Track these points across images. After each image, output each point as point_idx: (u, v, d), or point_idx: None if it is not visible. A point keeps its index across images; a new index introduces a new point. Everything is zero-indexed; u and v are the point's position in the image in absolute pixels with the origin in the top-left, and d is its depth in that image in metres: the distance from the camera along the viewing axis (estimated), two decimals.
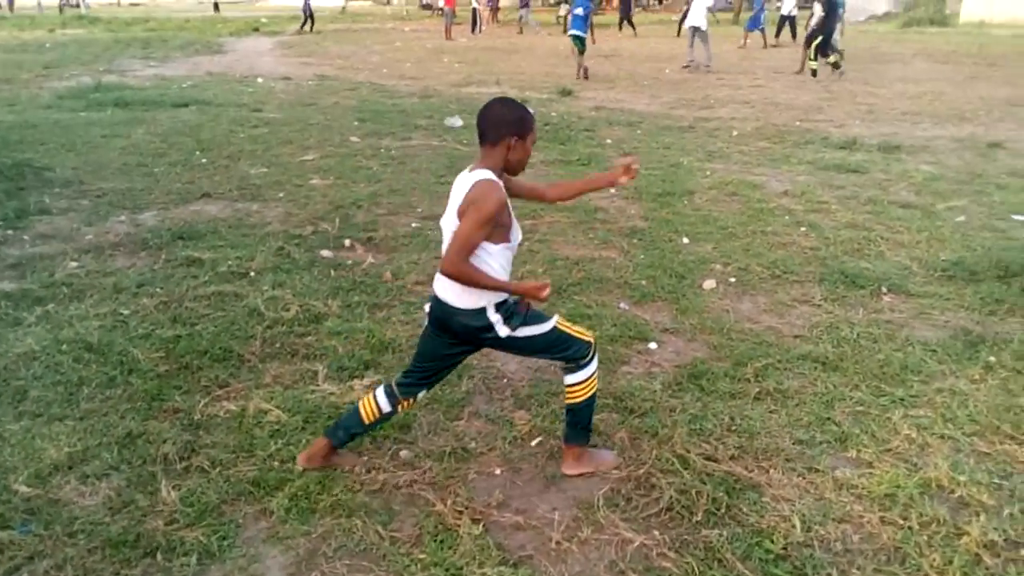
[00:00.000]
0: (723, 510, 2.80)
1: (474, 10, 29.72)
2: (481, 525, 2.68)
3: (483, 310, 2.72)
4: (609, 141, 9.55)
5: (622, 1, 28.84)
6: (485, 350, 3.93)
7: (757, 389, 3.67)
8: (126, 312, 4.38)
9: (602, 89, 14.83)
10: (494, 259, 2.69)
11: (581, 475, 3.00)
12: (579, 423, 2.98)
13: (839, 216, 6.35)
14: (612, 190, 7.14)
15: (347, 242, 5.67)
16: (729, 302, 4.73)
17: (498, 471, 3.02)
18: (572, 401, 2.93)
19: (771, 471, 3.06)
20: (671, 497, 2.84)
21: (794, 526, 2.72)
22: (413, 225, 6.07)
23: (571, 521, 2.74)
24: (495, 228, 2.63)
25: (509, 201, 2.69)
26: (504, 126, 2.66)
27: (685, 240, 5.78)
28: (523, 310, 2.80)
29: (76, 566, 2.53)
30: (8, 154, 8.08)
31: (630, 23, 28.14)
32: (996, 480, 3.00)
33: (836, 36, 16.33)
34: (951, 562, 2.55)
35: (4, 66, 16.42)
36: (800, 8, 22.64)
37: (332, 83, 15.48)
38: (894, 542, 2.66)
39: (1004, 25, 28.41)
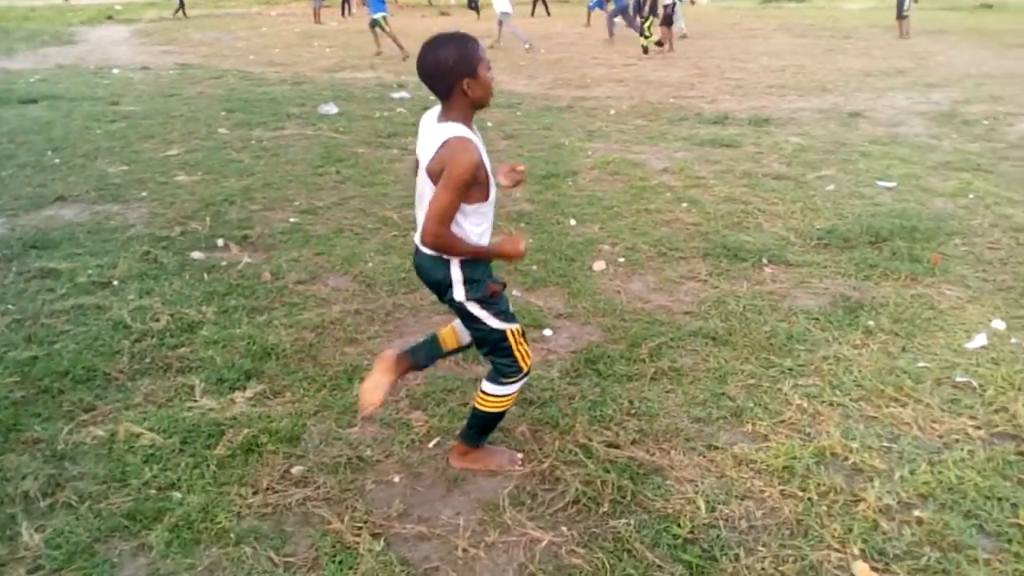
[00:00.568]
0: (629, 498, 2.76)
1: None
2: (382, 540, 2.54)
3: (447, 263, 2.57)
4: (490, 124, 9.44)
5: None
6: (376, 349, 3.80)
7: (653, 369, 3.67)
8: None
9: None
10: (469, 221, 2.51)
11: (471, 471, 2.91)
12: (476, 428, 2.87)
13: (717, 191, 6.48)
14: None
15: (220, 242, 5.34)
16: (620, 283, 4.73)
17: (397, 478, 2.88)
18: (479, 408, 2.81)
19: (672, 453, 3.05)
20: (577, 490, 2.77)
21: (699, 508, 2.72)
22: (291, 220, 5.79)
23: (476, 525, 2.64)
24: (471, 188, 2.43)
25: (485, 154, 2.46)
26: (448, 73, 2.40)
27: (572, 222, 5.75)
28: (490, 293, 2.64)
29: None
30: None
31: (544, 4, 27.91)
32: (885, 443, 3.09)
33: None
34: (851, 530, 2.59)
35: None
36: None
37: (196, 72, 14.70)
38: (796, 515, 2.69)
39: None
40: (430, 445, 3.07)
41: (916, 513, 2.67)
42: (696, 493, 2.79)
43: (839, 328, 4.06)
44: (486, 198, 2.53)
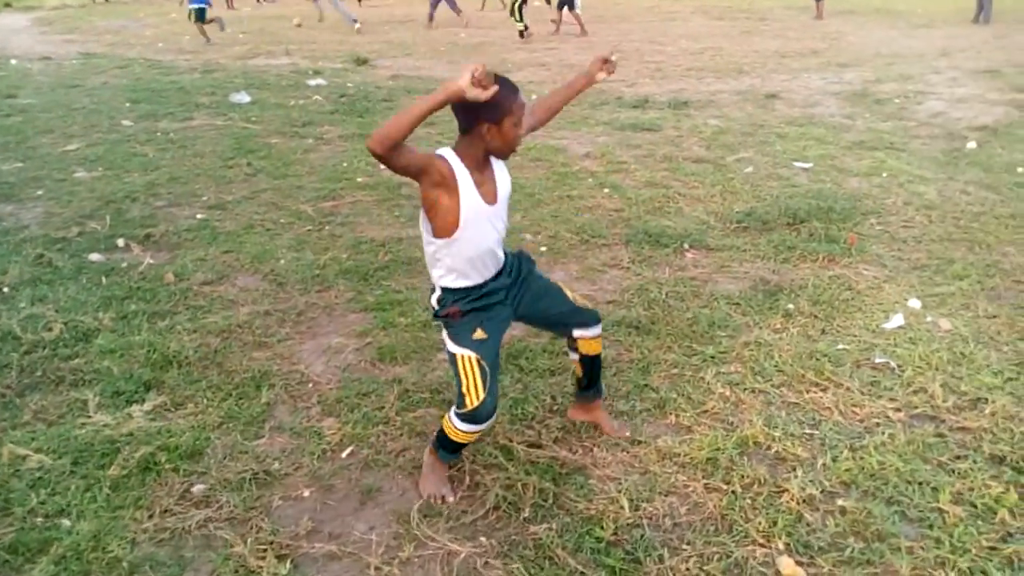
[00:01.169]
0: (551, 501, 2.66)
1: None
2: (288, 561, 2.38)
3: (432, 289, 2.63)
4: None
5: None
6: (286, 352, 3.63)
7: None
8: None
9: (399, 56, 14.41)
10: (441, 253, 2.50)
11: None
12: (436, 436, 2.72)
13: (638, 175, 6.44)
14: None
15: (121, 242, 5.04)
16: (543, 272, 4.60)
17: (306, 493, 2.71)
18: (440, 427, 2.67)
19: (595, 450, 2.97)
20: (497, 495, 2.66)
21: (622, 507, 2.63)
22: (198, 216, 5.51)
23: (391, 540, 2.50)
24: (436, 213, 2.39)
25: (472, 195, 2.39)
26: (475, 111, 2.30)
27: None
28: (446, 314, 2.58)
29: None
30: None
31: None
32: (807, 430, 3.07)
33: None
34: (775, 523, 2.55)
35: None
36: None
37: (100, 61, 14.05)
38: (720, 509, 2.63)
39: None
40: (343, 455, 2.91)
41: (839, 502, 2.65)
42: (619, 492, 2.70)
43: (759, 312, 4.05)
44: (448, 234, 2.42)
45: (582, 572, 2.36)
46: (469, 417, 2.52)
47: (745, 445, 2.97)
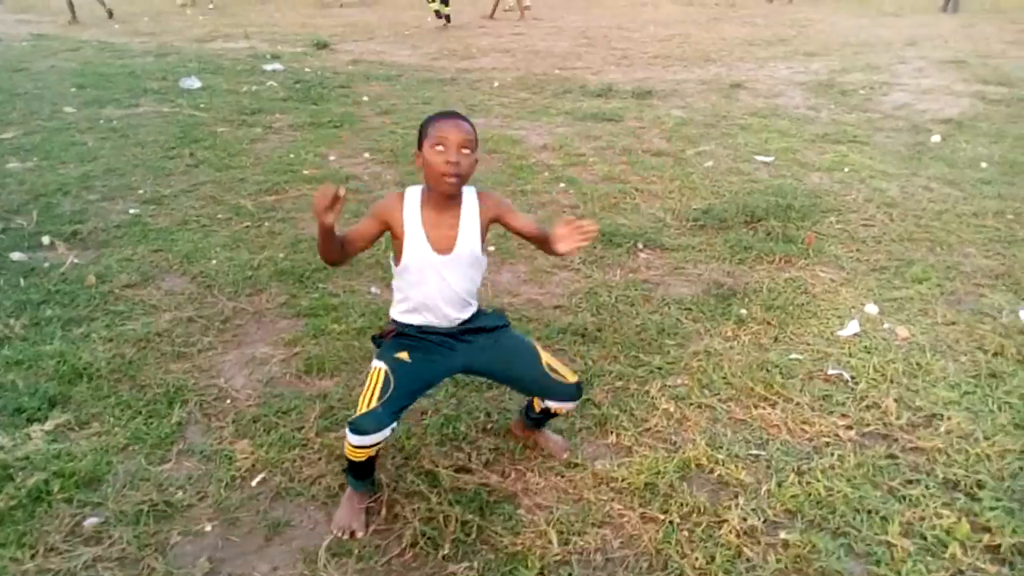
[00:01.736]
0: (474, 535, 2.46)
1: None
2: None
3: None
4: (366, 98, 8.95)
5: None
6: (206, 364, 3.39)
7: None
8: None
9: (362, 40, 14.08)
10: (399, 286, 2.46)
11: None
12: (346, 464, 2.50)
13: (596, 169, 6.24)
14: (366, 154, 6.62)
15: (46, 239, 4.75)
16: (488, 274, 4.40)
17: (208, 527, 2.49)
18: None
19: (528, 474, 2.77)
20: (415, 530, 2.46)
21: (551, 541, 2.45)
22: (131, 211, 5.22)
23: None
24: (395, 243, 2.39)
25: (417, 224, 2.33)
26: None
27: None
28: (384, 333, 2.55)
29: None
30: None
31: None
32: (753, 451, 2.90)
33: None
34: (713, 559, 2.37)
35: None
36: None
37: (51, 43, 13.56)
38: (655, 543, 2.45)
39: None
40: (253, 483, 2.69)
41: (782, 535, 2.48)
42: (549, 523, 2.51)
43: (711, 319, 3.87)
44: (398, 264, 2.39)
45: None
46: (355, 426, 2.29)
47: (687, 468, 2.80)
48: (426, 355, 2.46)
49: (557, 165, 6.37)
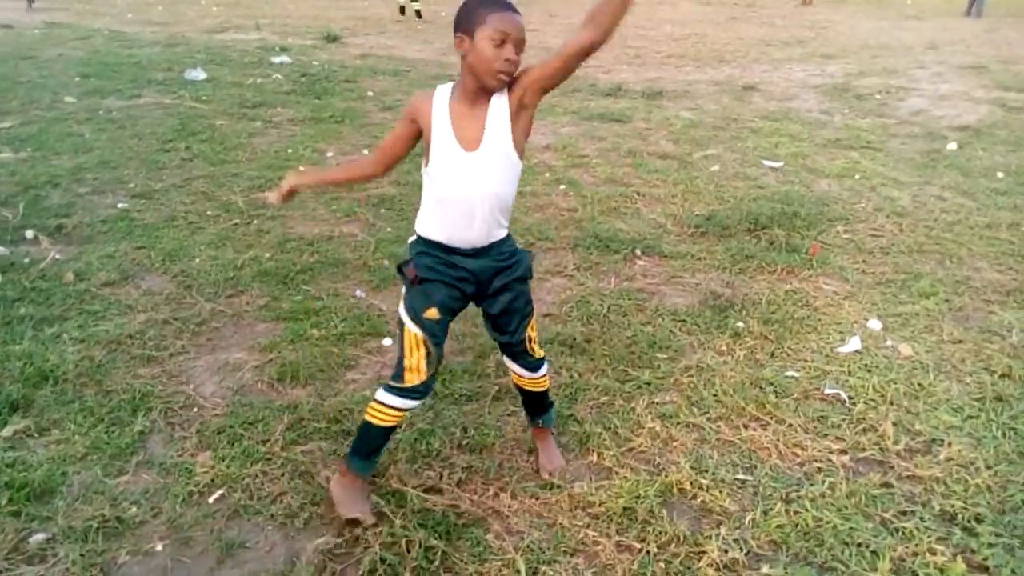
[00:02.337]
0: (437, 562, 2.33)
1: None
2: None
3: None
4: (371, 93, 8.83)
5: None
6: (176, 369, 3.28)
7: (496, 387, 3.25)
8: None
9: (373, 34, 13.98)
10: (427, 189, 2.31)
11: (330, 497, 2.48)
12: (352, 448, 2.48)
13: (599, 171, 6.09)
14: (365, 151, 6.50)
15: (30, 233, 4.65)
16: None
17: (159, 546, 2.37)
18: (360, 427, 2.46)
19: (502, 495, 2.64)
20: (374, 557, 2.32)
21: (518, 571, 2.31)
22: (120, 206, 5.12)
23: None
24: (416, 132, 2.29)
25: (447, 123, 2.18)
26: (455, 22, 2.14)
27: None
28: (408, 274, 2.36)
29: None
30: None
31: None
32: (740, 476, 2.75)
33: None
34: None
35: None
36: None
37: (63, 31, 13.54)
38: (630, 575, 2.31)
39: None
40: (211, 499, 2.56)
41: (765, 569, 2.33)
42: (518, 551, 2.38)
43: (705, 332, 3.72)
44: (427, 164, 2.26)
45: None
46: (406, 393, 2.32)
47: (668, 493, 2.65)
48: (450, 301, 2.35)
49: (559, 166, 6.22)
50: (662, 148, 6.76)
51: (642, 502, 2.59)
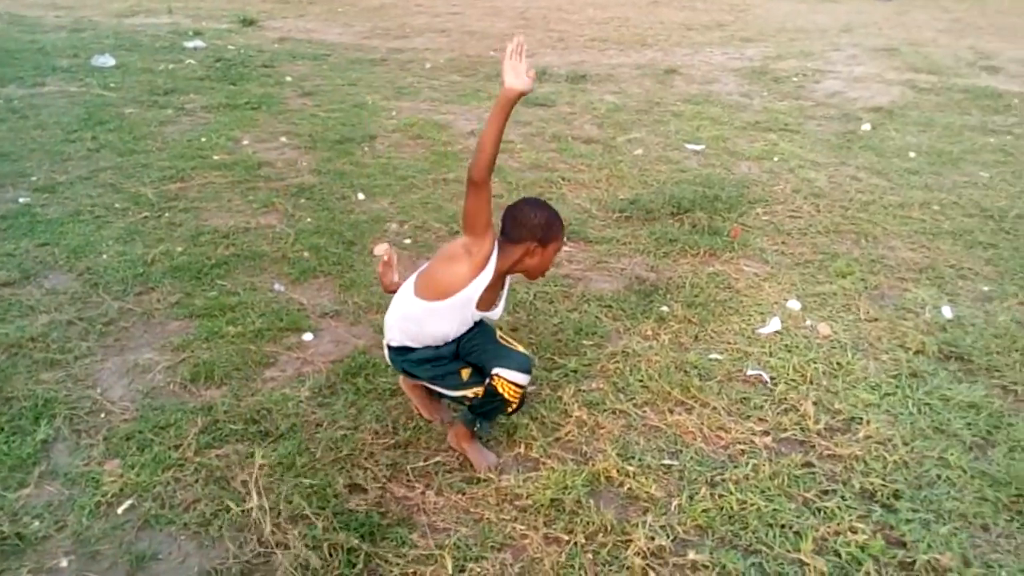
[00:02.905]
0: (360, 565, 2.26)
1: None
2: None
3: None
4: (289, 78, 8.58)
5: None
6: (82, 373, 3.12)
7: None
8: None
9: (291, 17, 13.58)
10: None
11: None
12: (481, 415, 2.70)
13: (524, 156, 6.04)
14: (283, 138, 6.31)
15: None
16: (402, 268, 4.15)
17: (64, 562, 2.24)
18: (486, 401, 2.63)
19: (427, 491, 2.59)
20: (294, 559, 2.24)
21: (445, 568, 2.26)
22: (21, 200, 4.84)
23: None
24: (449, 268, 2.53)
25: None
26: (529, 229, 2.49)
27: (360, 196, 5.14)
28: None
29: None
30: None
31: None
32: (665, 461, 2.76)
33: None
34: None
35: None
36: None
37: None
38: (557, 568, 2.29)
39: None
40: (120, 510, 2.44)
41: (691, 555, 2.34)
42: (444, 548, 2.33)
43: (631, 317, 3.72)
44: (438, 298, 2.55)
45: None
46: (529, 367, 2.57)
47: (596, 482, 2.64)
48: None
49: None
50: (586, 132, 6.75)
51: (569, 492, 2.57)
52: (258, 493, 2.50)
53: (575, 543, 2.38)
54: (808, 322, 3.73)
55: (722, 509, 2.52)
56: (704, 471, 2.70)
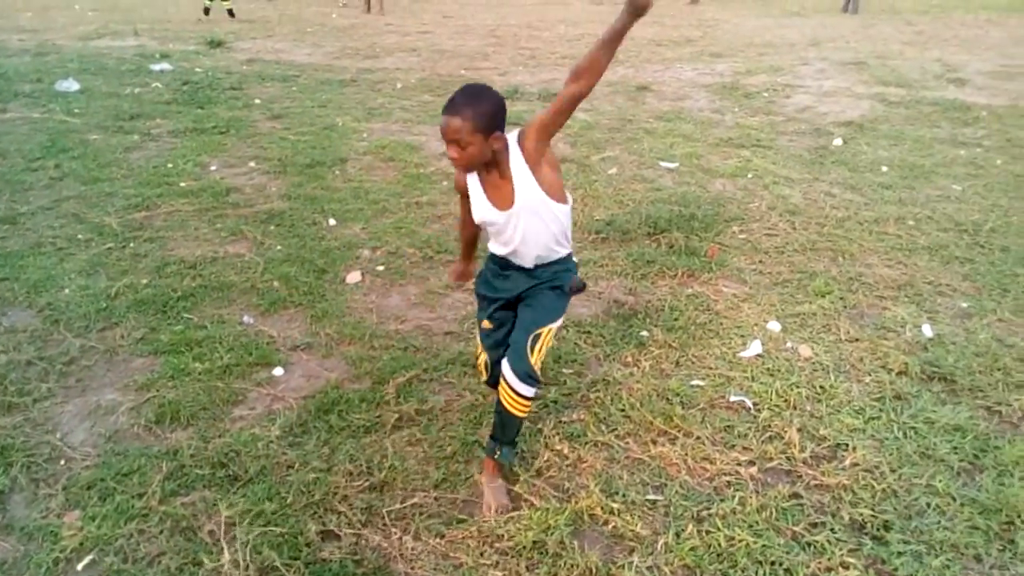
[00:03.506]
0: None
1: None
2: None
3: None
4: (258, 101, 8.48)
5: None
6: (41, 417, 2.98)
7: (396, 415, 3.08)
8: None
9: (260, 38, 13.49)
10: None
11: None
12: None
13: None
14: (252, 163, 6.19)
15: None
16: (375, 298, 4.10)
17: None
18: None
19: (404, 536, 2.48)
20: None
21: None
22: None
23: None
24: None
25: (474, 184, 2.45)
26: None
27: (332, 221, 5.04)
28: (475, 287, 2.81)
29: None
30: None
31: None
32: (650, 496, 2.68)
33: None
34: None
35: None
36: None
37: None
38: None
39: None
40: (80, 566, 2.31)
41: None
42: None
43: (611, 343, 3.65)
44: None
45: None
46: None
47: (579, 521, 2.56)
48: (499, 313, 2.65)
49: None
50: (560, 151, 6.70)
51: (552, 533, 2.48)
52: (226, 544, 2.38)
53: None
54: (789, 344, 3.68)
55: (710, 547, 2.45)
56: (690, 506, 2.63)
